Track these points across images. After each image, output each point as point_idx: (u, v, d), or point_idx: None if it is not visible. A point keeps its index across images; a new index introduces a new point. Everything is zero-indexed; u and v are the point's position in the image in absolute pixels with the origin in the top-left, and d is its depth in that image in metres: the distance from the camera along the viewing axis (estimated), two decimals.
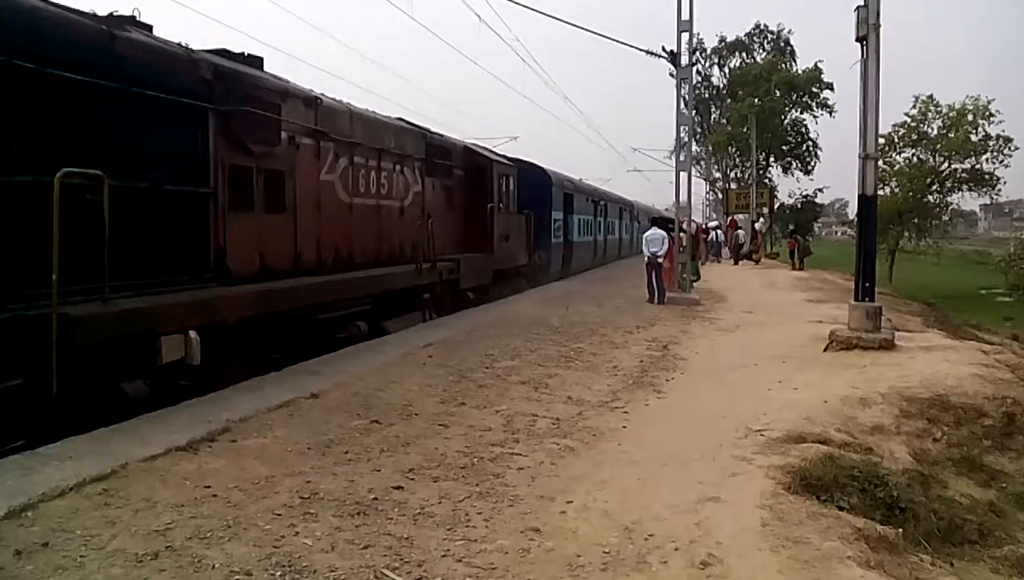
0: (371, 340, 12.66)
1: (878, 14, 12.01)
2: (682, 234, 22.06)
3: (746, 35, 62.50)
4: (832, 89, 55.56)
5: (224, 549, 4.69)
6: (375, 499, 5.62)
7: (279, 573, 4.41)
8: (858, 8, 12.14)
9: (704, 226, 45.21)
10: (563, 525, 5.30)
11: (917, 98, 44.81)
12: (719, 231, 44.99)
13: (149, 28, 9.11)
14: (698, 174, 63.80)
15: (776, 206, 55.80)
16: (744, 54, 62.67)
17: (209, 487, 5.69)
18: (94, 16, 8.10)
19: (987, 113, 43.38)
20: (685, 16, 21.51)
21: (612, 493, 5.93)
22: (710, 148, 60.99)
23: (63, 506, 5.21)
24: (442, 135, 18.56)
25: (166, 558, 4.53)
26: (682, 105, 23.05)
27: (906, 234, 47.05)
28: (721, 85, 63.02)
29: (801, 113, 57.48)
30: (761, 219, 47.08)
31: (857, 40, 12.21)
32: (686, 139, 23.44)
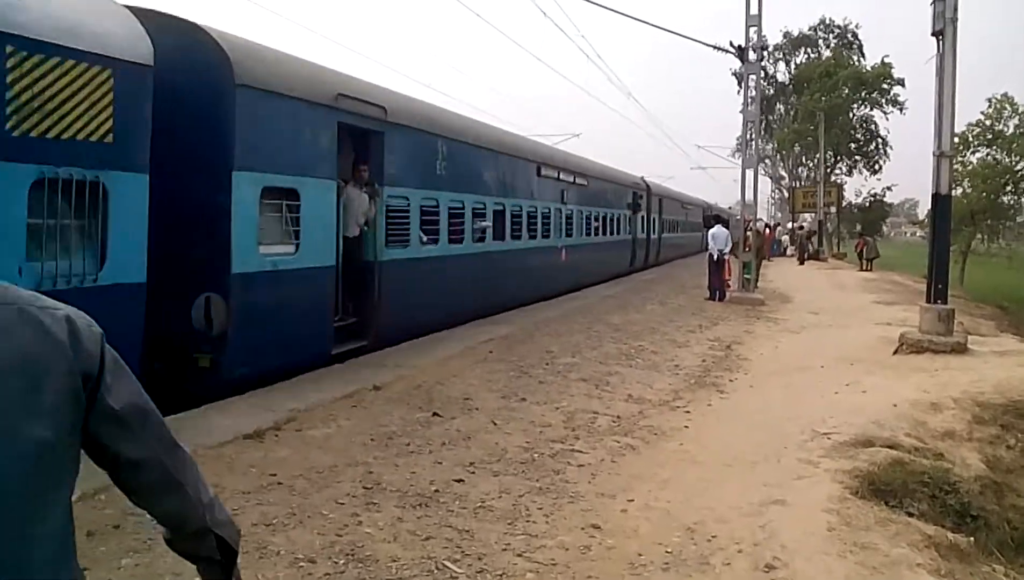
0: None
1: (955, 8, 11.66)
2: (748, 233, 21.72)
3: (811, 29, 61.21)
4: (903, 85, 54.05)
5: (289, 536, 4.77)
6: (436, 491, 5.66)
7: (342, 561, 4.47)
8: (935, 1, 11.80)
9: (769, 225, 44.92)
10: (624, 523, 5.27)
11: (992, 99, 43.50)
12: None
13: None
14: (763, 172, 62.92)
15: (843, 205, 54.60)
16: (809, 49, 61.39)
17: (275, 475, 5.79)
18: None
19: None
20: (754, 11, 21.17)
21: (674, 493, 5.87)
22: (775, 146, 59.97)
23: None
24: None
25: None
26: (749, 101, 22.69)
27: (979, 236, 45.67)
28: (786, 81, 61.79)
29: (870, 110, 56.13)
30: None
31: (933, 35, 11.89)
32: (752, 136, 23.04)
